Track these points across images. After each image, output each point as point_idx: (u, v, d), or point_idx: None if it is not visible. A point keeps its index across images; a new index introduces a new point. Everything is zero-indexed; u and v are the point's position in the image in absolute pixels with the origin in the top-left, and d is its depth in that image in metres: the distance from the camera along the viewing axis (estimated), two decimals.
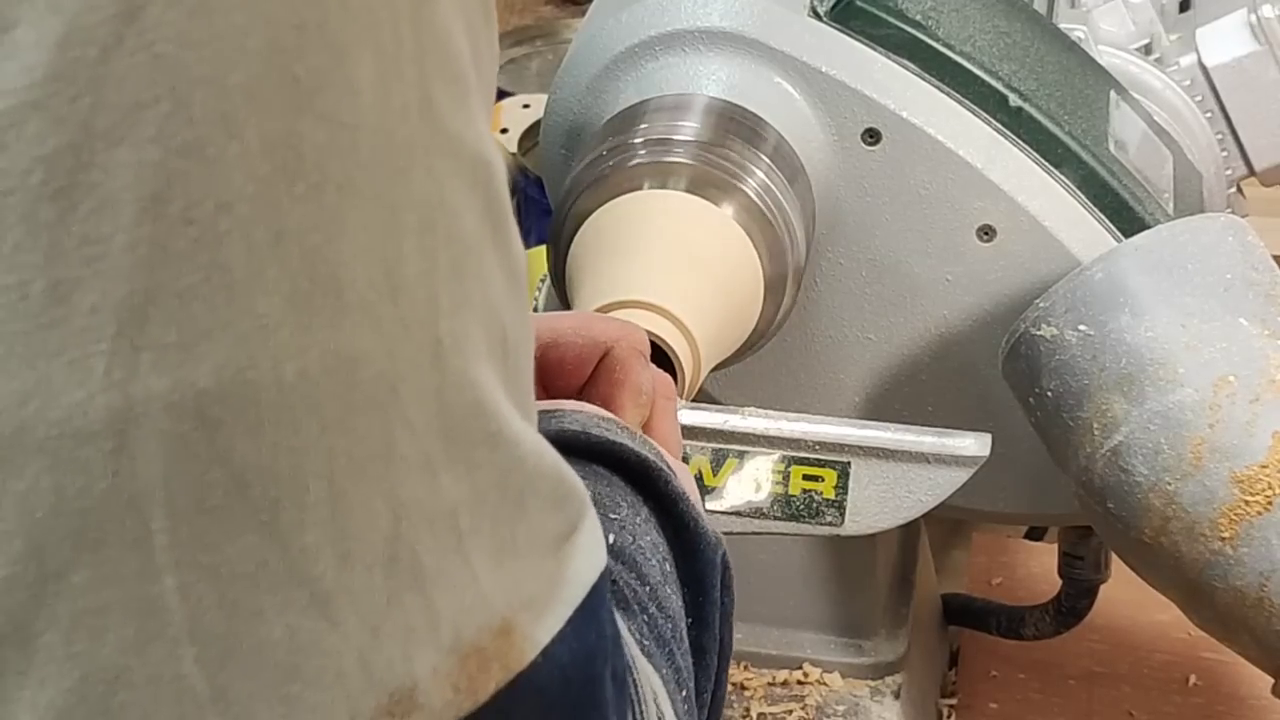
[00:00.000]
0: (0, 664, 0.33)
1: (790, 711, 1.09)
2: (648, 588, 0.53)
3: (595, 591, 0.42)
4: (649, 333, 0.75)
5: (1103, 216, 0.96)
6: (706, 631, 0.56)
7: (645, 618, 0.52)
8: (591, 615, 0.41)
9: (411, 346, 0.36)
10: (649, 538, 0.55)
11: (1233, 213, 1.12)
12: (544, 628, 0.40)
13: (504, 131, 1.60)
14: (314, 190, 0.34)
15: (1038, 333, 0.90)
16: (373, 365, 0.35)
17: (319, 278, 0.34)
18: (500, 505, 0.39)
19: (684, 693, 0.53)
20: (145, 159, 0.32)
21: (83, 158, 0.32)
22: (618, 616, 0.46)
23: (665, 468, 0.58)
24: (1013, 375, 0.93)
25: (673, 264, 0.84)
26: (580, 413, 0.60)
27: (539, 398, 0.52)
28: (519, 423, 0.40)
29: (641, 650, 0.50)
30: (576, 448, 0.57)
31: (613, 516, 0.55)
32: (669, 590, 0.54)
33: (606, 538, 0.45)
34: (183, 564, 0.34)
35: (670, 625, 0.53)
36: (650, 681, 0.49)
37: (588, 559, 0.42)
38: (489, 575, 0.38)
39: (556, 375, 0.66)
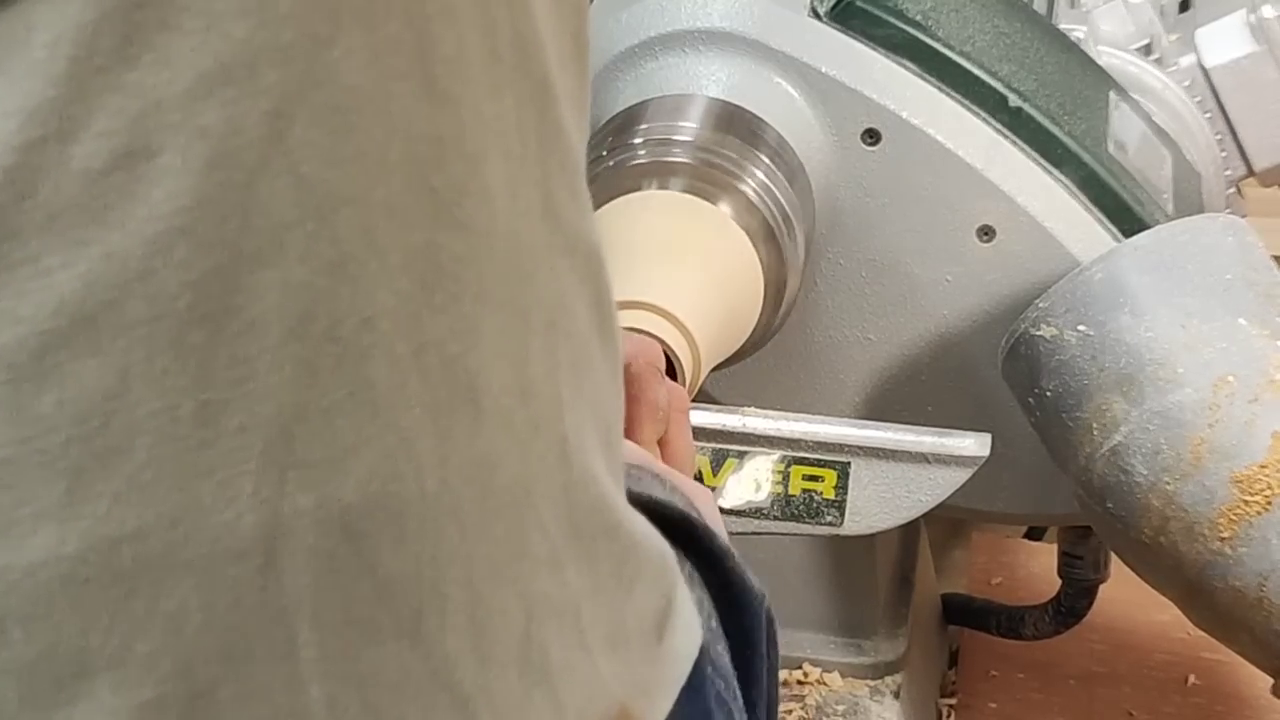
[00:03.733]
0: None
1: (790, 711, 1.09)
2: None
3: (698, 668, 0.42)
4: (648, 333, 0.75)
5: (1103, 216, 0.96)
6: (755, 687, 0.56)
7: None
8: (697, 691, 0.42)
9: (541, 446, 0.36)
10: (695, 594, 0.55)
11: (1232, 213, 1.12)
12: (657, 710, 0.40)
13: None
14: (452, 300, 0.34)
15: (1038, 333, 0.90)
16: (508, 469, 0.36)
17: (458, 386, 0.34)
18: (615, 593, 0.39)
19: None
20: (291, 279, 0.32)
21: (230, 281, 0.31)
22: None
23: (708, 524, 0.58)
24: (1013, 375, 0.93)
25: (672, 264, 0.84)
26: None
27: None
28: (629, 509, 0.40)
29: None
30: None
31: None
32: (719, 648, 0.54)
33: None
34: (329, 675, 0.34)
35: (723, 683, 0.53)
36: None
37: (687, 634, 0.42)
38: (606, 663, 0.39)
39: None
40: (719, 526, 0.59)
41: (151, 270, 0.31)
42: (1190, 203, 1.05)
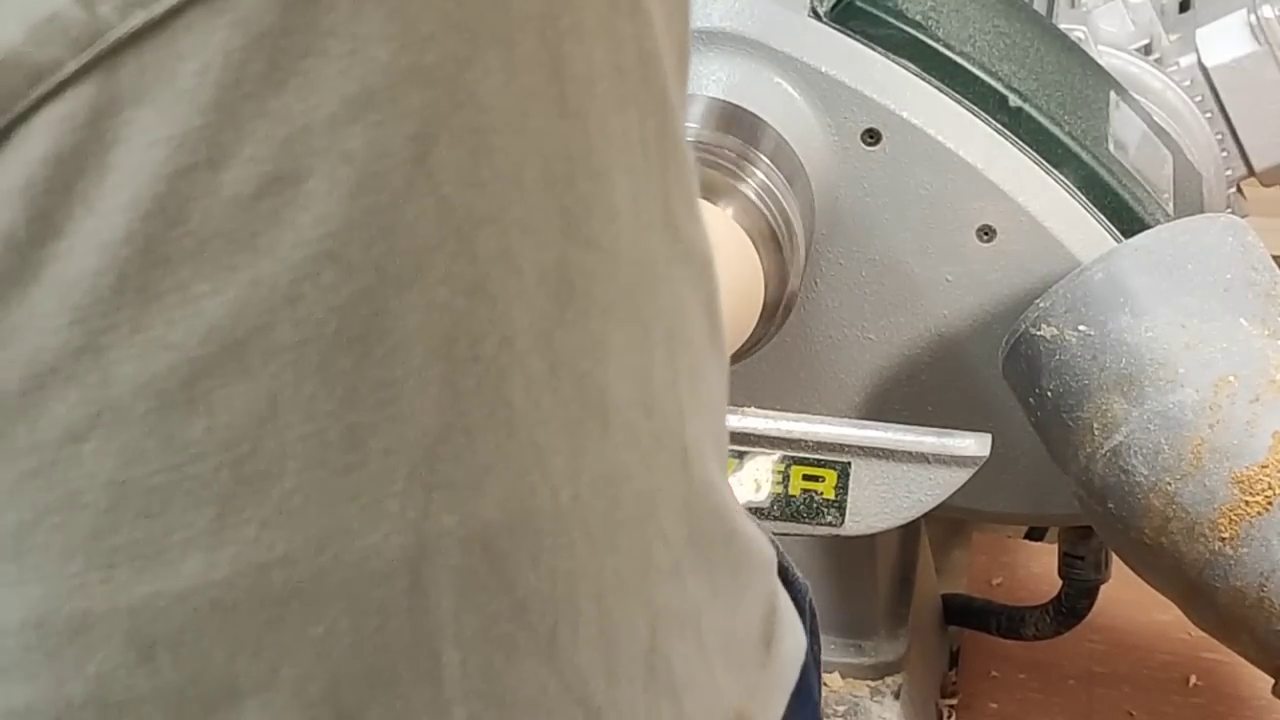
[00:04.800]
0: None
1: None
2: None
3: (805, 673, 0.43)
4: None
5: (1103, 216, 0.96)
6: None
7: None
8: (806, 696, 0.42)
9: (665, 458, 0.37)
10: None
11: (1233, 213, 1.12)
12: (769, 716, 0.40)
13: None
14: (582, 316, 0.34)
15: (1038, 333, 0.90)
16: (634, 482, 0.36)
17: (589, 402, 0.34)
18: (730, 600, 0.40)
19: None
20: (435, 301, 0.32)
21: (375, 304, 0.31)
22: None
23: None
24: (1013, 375, 0.93)
25: None
26: None
27: None
28: (741, 513, 0.40)
29: None
30: None
31: None
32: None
33: None
34: (471, 694, 0.34)
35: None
36: None
37: (794, 638, 0.43)
38: (723, 671, 0.39)
39: None
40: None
41: (299, 295, 0.31)
42: (1191, 203, 1.05)
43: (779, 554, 0.53)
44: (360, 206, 0.31)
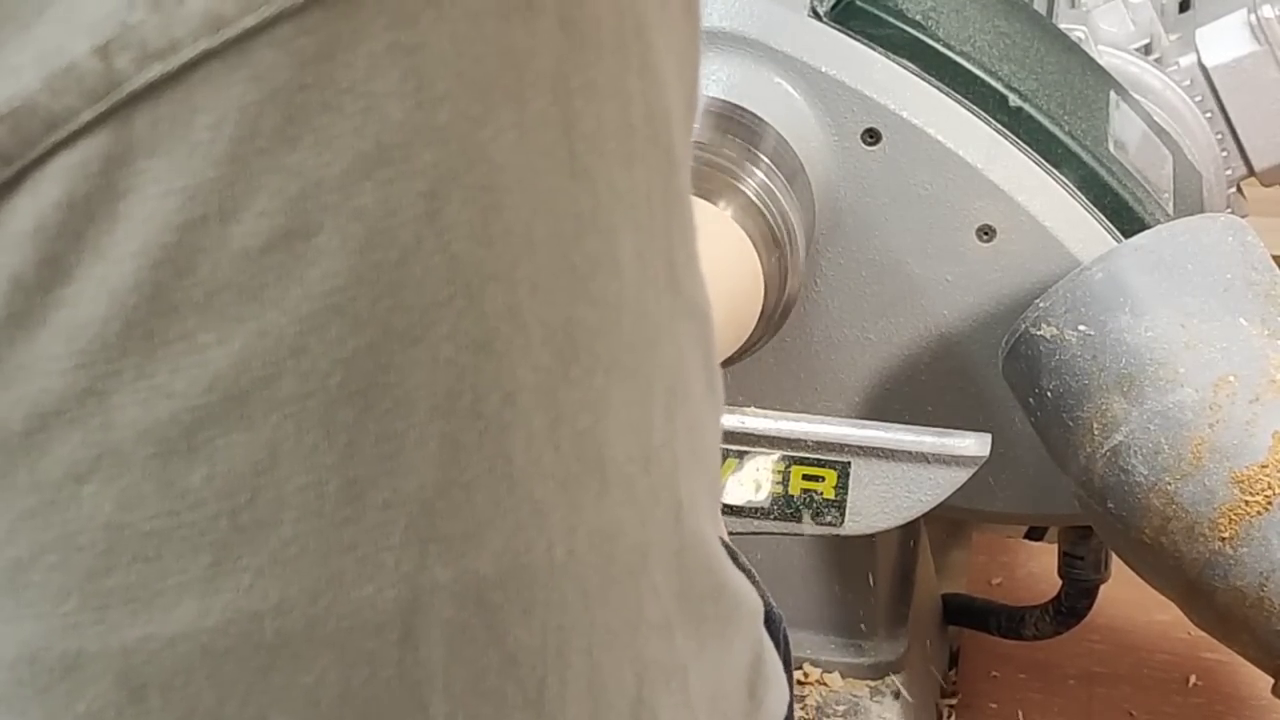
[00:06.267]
0: None
1: None
2: None
3: None
4: None
5: (1103, 216, 0.96)
6: None
7: None
8: None
9: (660, 513, 0.37)
10: None
11: (1233, 213, 1.12)
12: None
13: None
14: (585, 374, 0.34)
15: (1038, 333, 0.90)
16: (629, 537, 0.36)
17: (587, 458, 0.34)
18: (718, 653, 0.40)
19: None
20: (440, 357, 0.32)
21: (381, 359, 0.32)
22: None
23: (737, 551, 0.59)
24: (1013, 375, 0.93)
25: None
26: None
27: None
28: (730, 566, 0.40)
29: None
30: None
31: None
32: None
33: None
34: None
35: None
36: None
37: (778, 690, 0.43)
38: None
39: None
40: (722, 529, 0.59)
41: (305, 348, 0.31)
42: (1191, 203, 1.05)
43: (757, 581, 0.53)
44: (369, 262, 0.31)
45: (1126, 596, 1.12)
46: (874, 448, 0.84)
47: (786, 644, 0.55)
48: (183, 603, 0.32)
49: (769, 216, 0.89)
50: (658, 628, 0.37)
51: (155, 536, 0.31)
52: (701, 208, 0.88)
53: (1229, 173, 1.16)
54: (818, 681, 1.12)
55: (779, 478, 0.85)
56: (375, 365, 0.32)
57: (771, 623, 0.52)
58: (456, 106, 0.31)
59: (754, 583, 0.52)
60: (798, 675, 1.12)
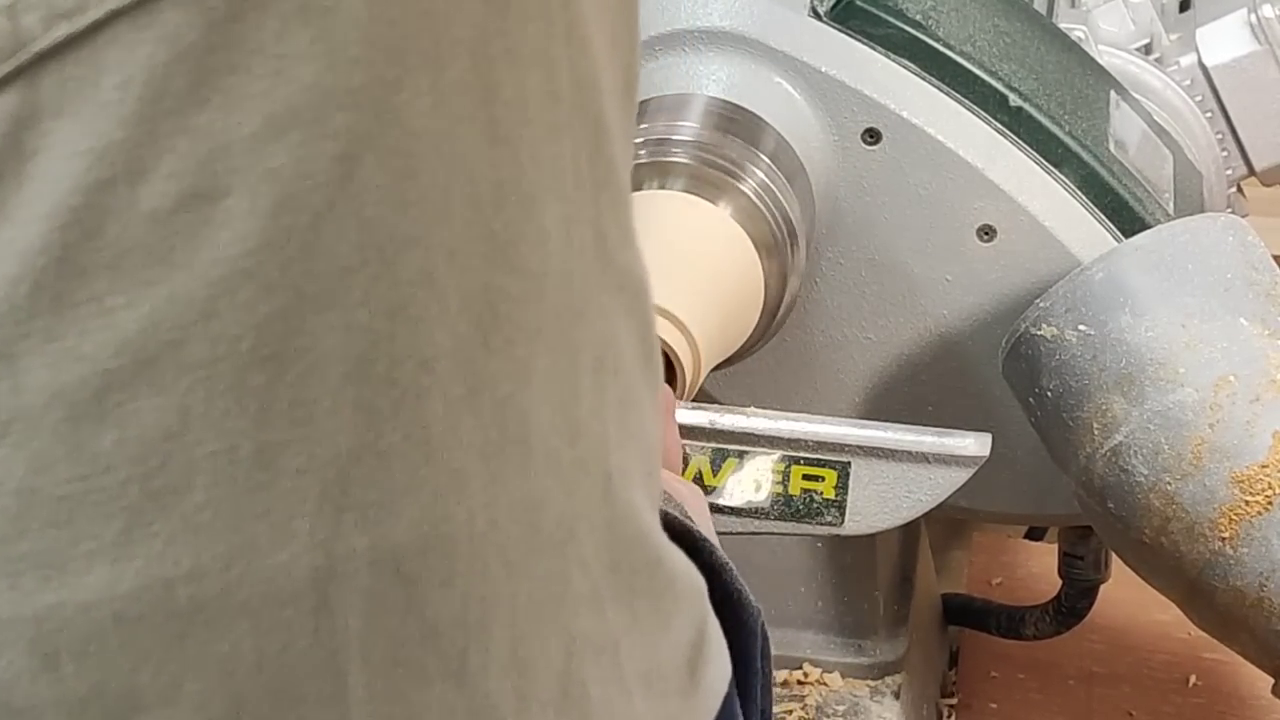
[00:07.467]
0: None
1: (790, 711, 1.09)
2: None
3: (726, 704, 0.42)
4: None
5: (1103, 216, 0.96)
6: (750, 704, 0.56)
7: None
8: None
9: (587, 485, 0.36)
10: None
11: (1233, 213, 1.12)
12: None
13: None
14: (506, 343, 0.34)
15: (1038, 333, 0.90)
16: (554, 508, 0.36)
17: (509, 427, 0.34)
18: (652, 629, 0.39)
19: None
20: (353, 322, 0.32)
21: (292, 324, 0.31)
22: None
23: (707, 536, 0.58)
24: (1013, 375, 0.93)
25: (672, 264, 0.84)
26: None
27: None
28: (667, 543, 0.40)
29: None
30: None
31: None
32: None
33: None
34: (377, 716, 0.34)
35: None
36: None
37: (719, 668, 0.42)
38: (643, 700, 0.39)
39: None
40: (710, 531, 0.59)
41: (215, 312, 0.31)
42: (1191, 202, 1.05)
43: (733, 578, 0.52)
44: (280, 225, 0.31)
45: (1126, 596, 1.12)
46: (874, 448, 0.84)
47: (765, 635, 0.55)
48: (95, 569, 0.32)
49: (769, 216, 0.89)
50: (586, 600, 0.37)
51: (67, 502, 0.31)
52: (702, 208, 0.88)
53: (1229, 172, 1.16)
54: (818, 681, 1.12)
55: (779, 478, 0.85)
56: (287, 330, 0.31)
57: (746, 611, 0.52)
58: (370, 70, 0.31)
59: (728, 571, 0.52)
60: (798, 675, 1.12)
